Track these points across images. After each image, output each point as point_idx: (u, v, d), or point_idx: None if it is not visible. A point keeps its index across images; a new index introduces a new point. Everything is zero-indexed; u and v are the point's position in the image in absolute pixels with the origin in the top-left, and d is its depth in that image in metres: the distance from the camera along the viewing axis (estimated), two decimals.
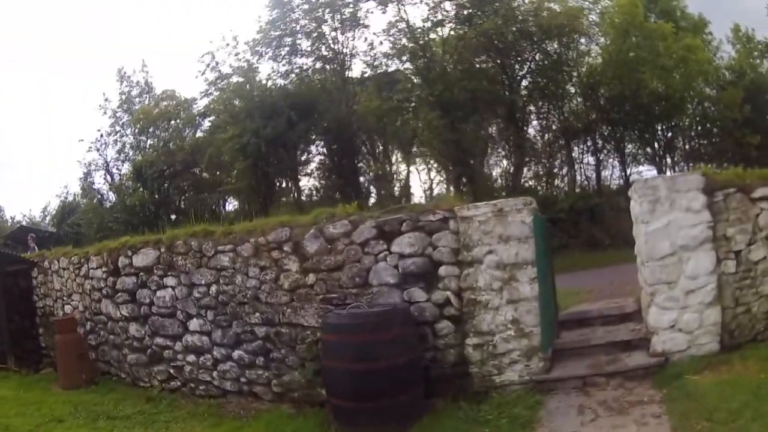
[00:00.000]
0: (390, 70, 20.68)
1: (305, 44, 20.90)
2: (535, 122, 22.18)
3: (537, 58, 20.42)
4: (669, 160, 21.72)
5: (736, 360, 5.40)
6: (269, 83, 20.99)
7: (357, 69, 21.74)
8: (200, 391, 7.07)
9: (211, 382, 6.98)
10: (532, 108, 21.65)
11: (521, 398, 5.55)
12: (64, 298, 9.13)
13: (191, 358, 7.11)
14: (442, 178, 23.79)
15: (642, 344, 6.05)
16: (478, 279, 5.80)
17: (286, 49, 20.75)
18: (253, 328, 6.56)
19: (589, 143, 21.78)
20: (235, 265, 6.65)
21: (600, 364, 5.91)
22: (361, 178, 22.65)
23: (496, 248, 5.78)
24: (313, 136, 21.54)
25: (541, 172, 22.39)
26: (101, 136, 24.38)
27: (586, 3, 20.77)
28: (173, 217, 19.46)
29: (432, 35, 19.86)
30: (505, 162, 22.76)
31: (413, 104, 20.16)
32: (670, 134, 21.55)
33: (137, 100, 24.28)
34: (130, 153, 23.80)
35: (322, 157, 22.54)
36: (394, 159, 23.41)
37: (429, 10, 19.12)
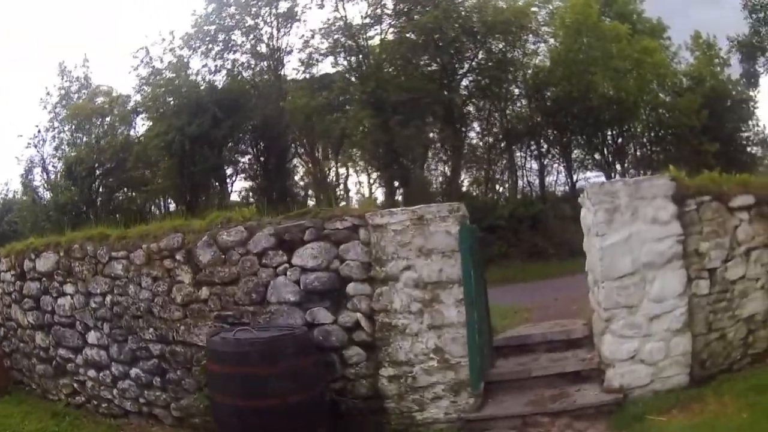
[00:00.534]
0: (323, 67, 20.13)
1: (240, 39, 20.44)
2: (475, 124, 21.52)
3: (479, 56, 19.64)
4: (619, 167, 21.10)
5: (710, 396, 4.76)
6: (199, 78, 20.51)
7: (291, 66, 21.07)
8: (103, 409, 6.33)
9: (112, 400, 6.21)
10: (471, 109, 20.95)
11: None
12: None
13: (92, 373, 6.34)
14: (381, 182, 22.68)
15: (594, 376, 5.23)
16: (394, 300, 4.94)
17: (220, 44, 20.28)
18: (147, 344, 5.75)
19: (533, 147, 21.14)
20: (128, 273, 5.81)
21: (543, 400, 5.14)
22: (297, 179, 22.26)
23: (415, 263, 4.90)
24: (240, 135, 21.01)
25: (481, 177, 21.70)
26: (39, 132, 23.58)
27: (536, 1, 19.90)
28: (101, 216, 18.66)
29: (370, 32, 19.22)
30: (444, 166, 22.07)
31: (345, 103, 19.38)
32: (620, 140, 20.95)
33: (75, 96, 23.48)
34: (66, 149, 23.14)
35: (250, 157, 22.05)
36: (333, 161, 22.51)
37: (369, 6, 18.62)
